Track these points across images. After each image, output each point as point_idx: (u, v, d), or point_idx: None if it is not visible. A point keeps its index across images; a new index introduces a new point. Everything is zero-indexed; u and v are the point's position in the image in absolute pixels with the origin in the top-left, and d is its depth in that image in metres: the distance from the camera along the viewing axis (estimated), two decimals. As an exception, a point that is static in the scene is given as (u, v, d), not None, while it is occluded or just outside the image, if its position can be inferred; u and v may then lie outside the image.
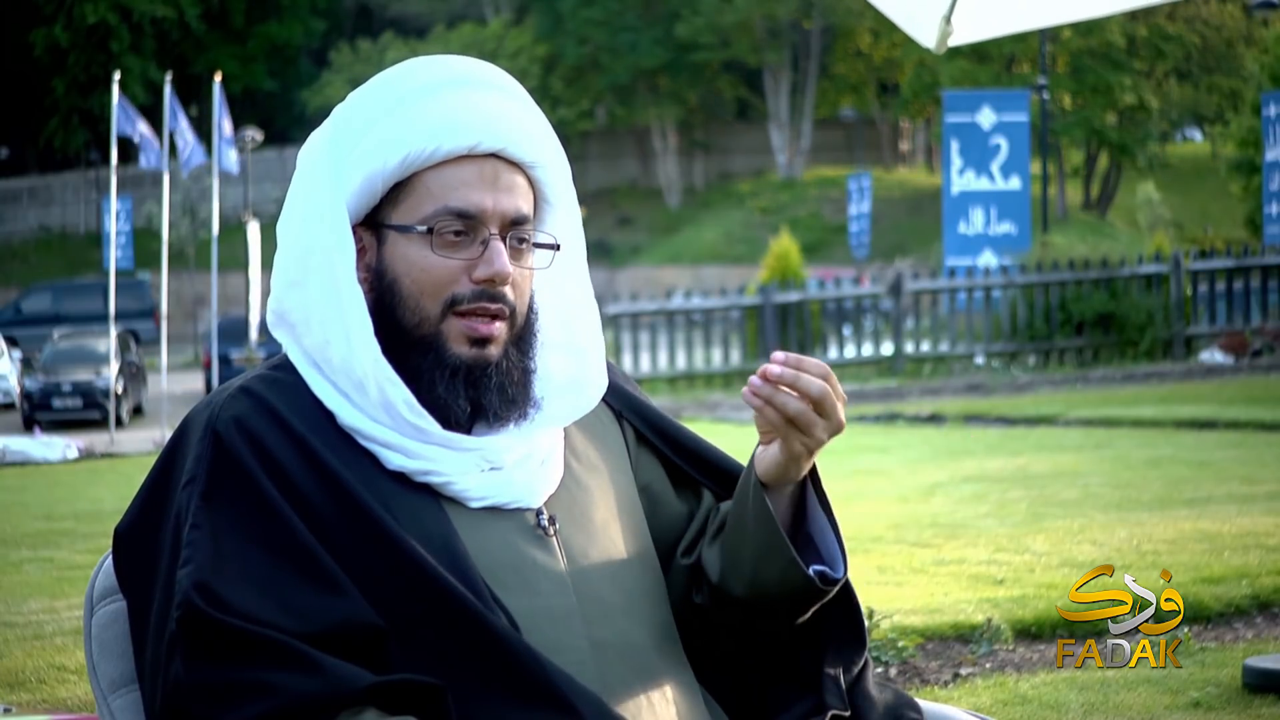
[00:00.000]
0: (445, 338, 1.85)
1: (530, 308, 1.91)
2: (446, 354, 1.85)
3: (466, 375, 1.85)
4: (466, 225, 1.85)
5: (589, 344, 1.97)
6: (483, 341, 1.85)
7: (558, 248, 1.92)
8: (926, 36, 4.26)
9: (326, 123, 1.92)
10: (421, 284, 1.85)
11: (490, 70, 1.92)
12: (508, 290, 1.86)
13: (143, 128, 20.91)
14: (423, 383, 1.84)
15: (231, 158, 23.99)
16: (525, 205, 1.88)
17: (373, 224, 1.88)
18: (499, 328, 1.86)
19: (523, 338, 1.90)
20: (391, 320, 1.85)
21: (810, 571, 1.89)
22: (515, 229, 1.87)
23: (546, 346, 1.93)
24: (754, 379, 1.81)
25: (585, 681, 1.79)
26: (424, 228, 1.84)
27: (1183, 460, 11.00)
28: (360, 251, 1.87)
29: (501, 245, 1.85)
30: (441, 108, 1.85)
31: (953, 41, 4.24)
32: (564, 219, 1.95)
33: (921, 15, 4.28)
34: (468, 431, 1.88)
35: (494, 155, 1.86)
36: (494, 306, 1.85)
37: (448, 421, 1.85)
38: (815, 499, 1.93)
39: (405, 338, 1.85)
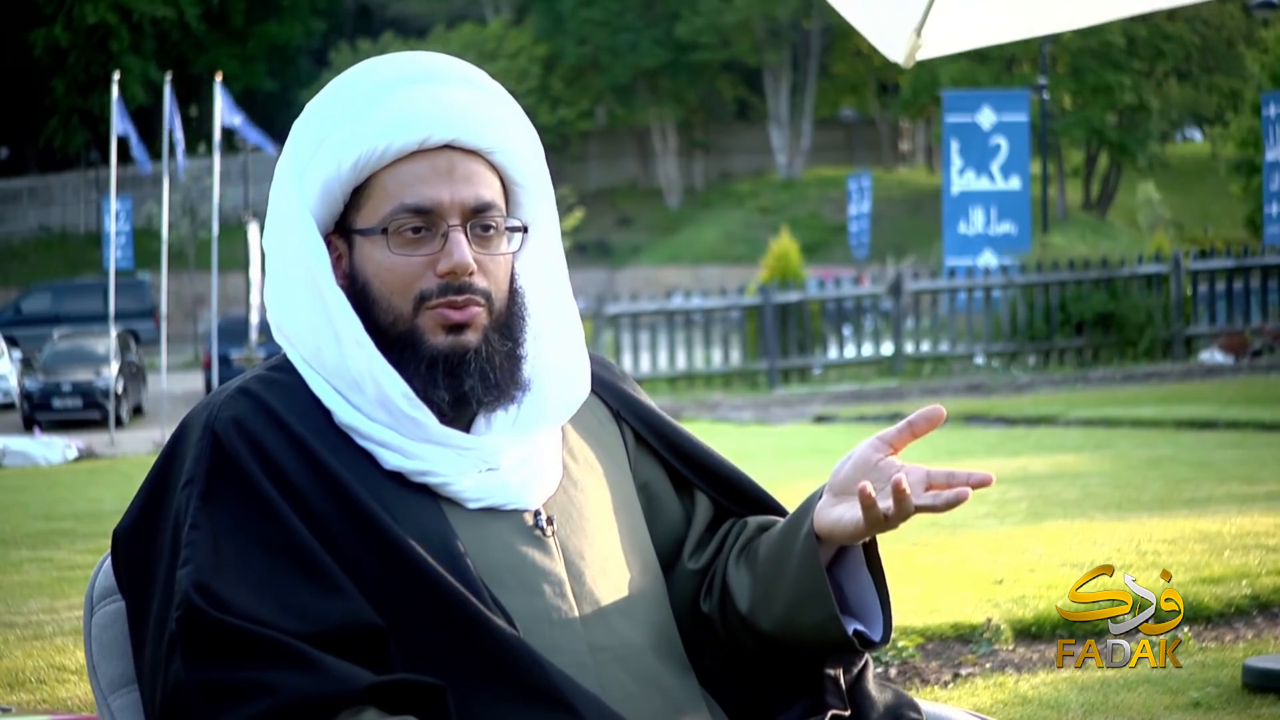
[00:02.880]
0: (421, 331, 1.85)
1: (515, 292, 1.91)
2: (423, 346, 1.85)
3: (444, 364, 1.84)
4: (424, 220, 1.84)
5: (572, 326, 1.97)
6: (458, 328, 1.85)
7: (525, 230, 1.91)
8: (894, 50, 4.21)
9: (289, 136, 1.92)
10: (390, 284, 1.85)
11: (441, 62, 1.91)
12: (476, 279, 1.85)
13: (131, 132, 20.99)
14: (402, 377, 1.85)
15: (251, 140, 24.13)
16: (488, 192, 1.87)
17: (342, 230, 1.88)
18: (474, 312, 1.85)
19: (507, 323, 1.89)
20: (369, 322, 1.85)
21: (850, 630, 1.89)
22: (478, 217, 1.86)
23: (539, 332, 1.93)
24: (967, 490, 1.78)
25: (584, 683, 1.79)
26: (381, 228, 1.85)
27: (1183, 460, 10.99)
28: (337, 258, 1.88)
29: (462, 236, 1.84)
30: (389, 107, 1.85)
31: (921, 55, 4.20)
32: (538, 201, 1.94)
33: (890, 27, 4.23)
34: (465, 429, 1.88)
35: (448, 146, 1.86)
36: (461, 298, 1.84)
37: (442, 416, 1.85)
38: (859, 555, 1.92)
39: (383, 337, 1.85)
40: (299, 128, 1.90)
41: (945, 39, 4.24)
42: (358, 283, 1.86)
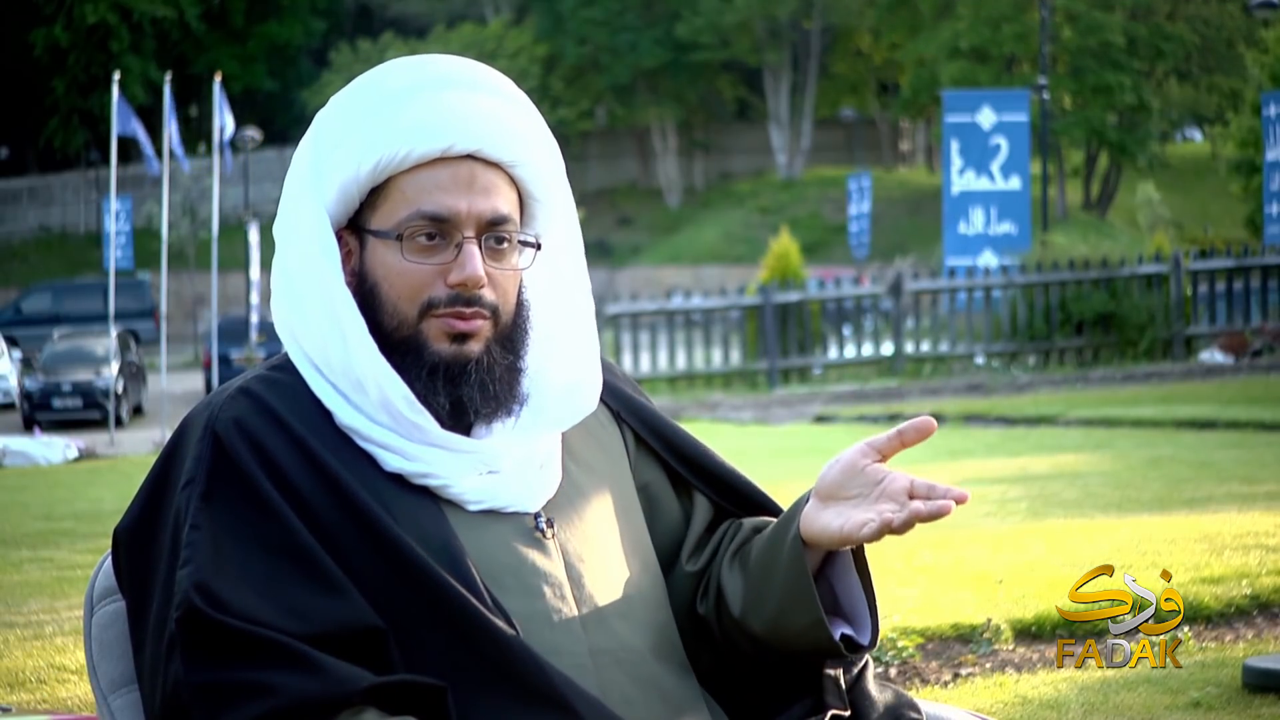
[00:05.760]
0: (425, 337, 1.85)
1: (521, 305, 1.91)
2: (426, 352, 1.85)
3: (445, 372, 1.84)
4: (439, 229, 1.84)
5: (585, 342, 1.96)
6: (462, 337, 1.85)
7: (539, 246, 1.91)
8: None
9: (309, 128, 1.92)
10: (398, 288, 1.85)
11: (471, 69, 1.91)
12: (485, 292, 1.85)
13: (139, 131, 20.97)
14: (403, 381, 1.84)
15: (229, 158, 24.11)
16: (505, 205, 1.87)
17: (355, 228, 1.88)
18: (479, 324, 1.85)
19: (510, 336, 1.89)
20: (373, 323, 1.85)
21: (837, 635, 1.89)
22: (492, 230, 1.86)
23: (543, 345, 1.92)
24: (950, 504, 1.80)
25: (584, 685, 1.79)
26: (396, 233, 1.84)
27: (1183, 460, 11.00)
28: (347, 255, 1.88)
29: (475, 248, 1.84)
30: (415, 111, 1.84)
31: None
32: (556, 215, 1.94)
33: None
34: (466, 433, 1.88)
35: (470, 156, 1.85)
36: (469, 310, 1.84)
37: (442, 422, 1.85)
38: (848, 558, 1.92)
39: (386, 340, 1.85)
40: (321, 123, 1.90)
41: None
42: (366, 283, 1.86)
